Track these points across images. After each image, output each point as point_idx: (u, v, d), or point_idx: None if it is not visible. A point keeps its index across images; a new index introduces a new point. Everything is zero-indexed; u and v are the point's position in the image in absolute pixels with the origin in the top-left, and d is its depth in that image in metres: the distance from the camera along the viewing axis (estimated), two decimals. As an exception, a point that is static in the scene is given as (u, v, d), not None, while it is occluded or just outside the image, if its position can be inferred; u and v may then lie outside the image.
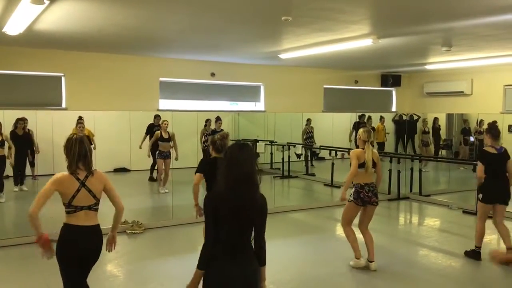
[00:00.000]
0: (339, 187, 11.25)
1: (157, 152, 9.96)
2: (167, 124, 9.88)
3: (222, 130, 11.15)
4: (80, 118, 9.61)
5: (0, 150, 8.62)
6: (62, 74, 7.69)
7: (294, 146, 12.22)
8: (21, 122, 9.07)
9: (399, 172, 10.17)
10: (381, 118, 13.04)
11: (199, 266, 2.86)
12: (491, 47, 7.11)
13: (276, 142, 12.17)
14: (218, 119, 10.78)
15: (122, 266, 5.86)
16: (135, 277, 5.55)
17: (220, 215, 2.80)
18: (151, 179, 11.05)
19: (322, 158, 13.40)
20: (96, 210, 3.70)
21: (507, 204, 6.20)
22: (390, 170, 10.18)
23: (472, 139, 12.49)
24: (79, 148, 3.62)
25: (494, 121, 7.30)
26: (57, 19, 5.21)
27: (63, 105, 7.72)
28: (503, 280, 5.79)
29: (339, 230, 8.30)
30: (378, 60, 8.86)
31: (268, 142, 12.26)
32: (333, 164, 11.30)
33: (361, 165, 5.66)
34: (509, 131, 10.61)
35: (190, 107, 9.76)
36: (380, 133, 12.87)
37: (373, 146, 5.86)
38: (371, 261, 5.78)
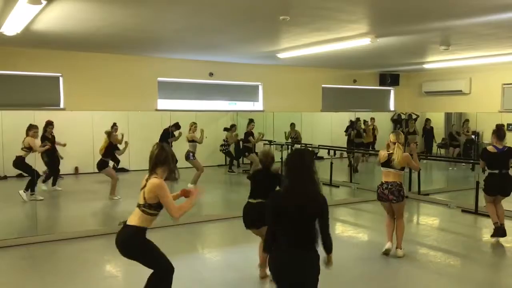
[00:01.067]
0: (338, 187, 11.25)
1: (193, 154, 9.86)
2: (196, 127, 9.88)
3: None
4: (115, 124, 9.69)
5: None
6: (60, 74, 7.68)
7: (293, 146, 12.20)
8: (50, 126, 9.31)
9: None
10: (371, 119, 13.06)
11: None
12: (489, 46, 7.12)
13: (275, 142, 12.16)
14: (251, 120, 11.20)
15: (121, 267, 5.84)
16: (135, 278, 5.53)
17: (281, 212, 3.21)
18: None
19: (321, 158, 13.38)
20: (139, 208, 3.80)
21: (508, 195, 6.81)
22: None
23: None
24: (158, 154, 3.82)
25: (501, 124, 7.77)
26: (54, 19, 5.20)
27: (61, 106, 7.71)
28: (503, 279, 5.79)
29: (338, 229, 8.30)
30: (376, 59, 8.86)
31: (267, 142, 12.25)
32: (331, 163, 11.29)
33: (383, 165, 6.02)
34: (507, 129, 10.61)
35: (188, 107, 9.75)
36: (368, 134, 12.91)
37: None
38: (397, 248, 6.19)
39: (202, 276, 5.29)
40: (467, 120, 11.73)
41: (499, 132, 6.76)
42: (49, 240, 6.91)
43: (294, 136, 12.70)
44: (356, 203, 9.80)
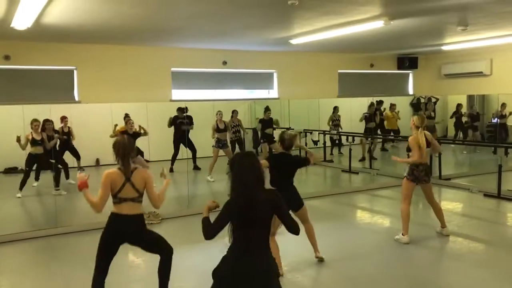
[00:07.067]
0: (357, 173, 11.12)
1: (215, 141, 10.16)
2: (222, 115, 10.14)
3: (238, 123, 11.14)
4: (127, 115, 9.83)
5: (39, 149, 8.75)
6: (74, 67, 7.72)
7: (311, 133, 12.11)
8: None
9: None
10: (391, 106, 12.78)
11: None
12: (509, 24, 6.88)
13: (292, 129, 12.06)
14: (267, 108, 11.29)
15: (144, 255, 5.87)
16: (154, 266, 5.57)
17: (236, 220, 3.02)
18: (171, 170, 11.14)
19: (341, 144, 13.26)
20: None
21: None
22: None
23: (494, 120, 12.20)
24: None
25: None
26: (62, 12, 5.21)
27: (76, 98, 7.77)
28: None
29: (358, 217, 8.22)
30: (392, 42, 8.66)
31: (284, 129, 12.15)
32: (350, 150, 11.17)
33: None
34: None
35: (203, 97, 9.75)
36: (390, 120, 12.65)
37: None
38: (443, 227, 6.44)
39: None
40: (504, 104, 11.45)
41: None
42: (68, 232, 7.03)
43: (336, 119, 12.57)
44: (375, 189, 9.70)
